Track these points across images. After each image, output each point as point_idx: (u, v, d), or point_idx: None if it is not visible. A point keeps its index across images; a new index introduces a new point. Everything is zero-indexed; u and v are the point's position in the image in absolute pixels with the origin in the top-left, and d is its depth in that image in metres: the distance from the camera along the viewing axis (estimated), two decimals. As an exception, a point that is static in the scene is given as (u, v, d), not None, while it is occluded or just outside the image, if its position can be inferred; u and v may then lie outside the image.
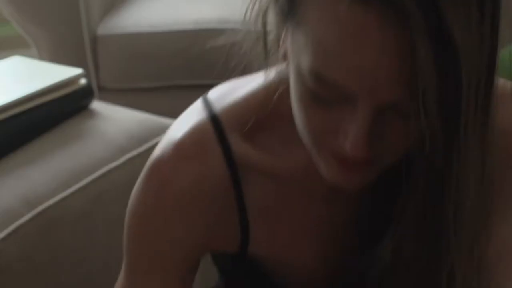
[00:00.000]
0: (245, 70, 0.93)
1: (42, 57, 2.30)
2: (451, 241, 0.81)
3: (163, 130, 1.62)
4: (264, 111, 0.91)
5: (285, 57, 0.81)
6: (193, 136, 0.92)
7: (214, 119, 0.92)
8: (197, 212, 0.93)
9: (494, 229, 0.85)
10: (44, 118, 1.58)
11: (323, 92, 0.75)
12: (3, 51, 2.96)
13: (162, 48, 2.25)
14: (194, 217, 0.94)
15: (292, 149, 0.91)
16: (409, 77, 0.72)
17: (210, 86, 1.00)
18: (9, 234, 1.33)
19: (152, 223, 0.94)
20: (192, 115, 0.94)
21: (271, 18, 0.83)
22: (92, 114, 1.64)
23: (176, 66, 2.22)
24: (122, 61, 2.26)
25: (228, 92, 0.94)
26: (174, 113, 1.69)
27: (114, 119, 1.64)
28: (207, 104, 0.94)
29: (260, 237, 0.97)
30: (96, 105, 1.68)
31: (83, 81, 1.65)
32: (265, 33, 0.85)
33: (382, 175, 0.84)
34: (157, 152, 0.95)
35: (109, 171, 1.50)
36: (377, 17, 0.70)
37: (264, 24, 0.84)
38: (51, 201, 1.40)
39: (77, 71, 1.65)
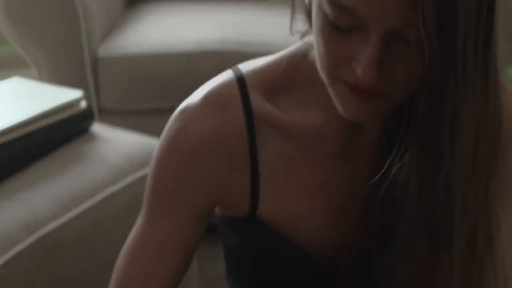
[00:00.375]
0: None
1: (42, 77, 2.29)
2: (452, 184, 0.87)
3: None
4: (284, 76, 1.00)
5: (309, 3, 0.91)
6: (219, 90, 1.00)
7: (240, 79, 1.00)
8: (211, 160, 0.99)
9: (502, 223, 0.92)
10: (44, 141, 1.58)
11: (339, 20, 0.84)
12: (3, 70, 2.96)
13: (163, 69, 2.24)
14: (208, 165, 0.99)
15: (307, 110, 0.99)
16: (414, 2, 0.80)
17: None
18: (10, 259, 1.33)
19: (169, 165, 1.00)
20: (222, 75, 1.02)
21: None
22: (92, 137, 1.64)
23: (177, 87, 2.21)
24: (123, 82, 2.25)
25: (256, 61, 1.03)
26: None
27: (115, 142, 1.63)
28: (236, 68, 1.02)
29: (270, 196, 1.01)
30: (97, 127, 1.67)
31: (83, 103, 1.64)
32: None
33: (390, 129, 0.93)
34: (186, 100, 1.02)
35: (110, 195, 1.49)
36: None
37: None
38: (51, 225, 1.39)
39: (78, 93, 1.64)
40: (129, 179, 1.54)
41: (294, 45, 1.01)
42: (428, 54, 0.82)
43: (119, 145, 1.62)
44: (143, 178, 1.54)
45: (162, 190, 1.01)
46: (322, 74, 0.90)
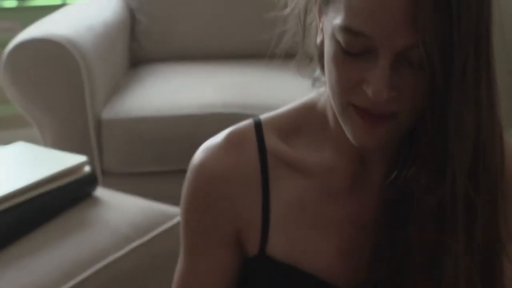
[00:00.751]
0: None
1: (44, 138, 2.30)
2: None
3: (167, 218, 1.61)
4: (297, 121, 1.07)
5: (321, 36, 0.98)
6: (237, 130, 1.08)
7: (257, 123, 1.08)
8: (227, 193, 1.05)
9: None
10: (48, 206, 1.57)
11: (351, 46, 0.91)
12: (5, 130, 2.96)
13: (166, 132, 2.25)
14: (225, 197, 1.06)
15: (318, 151, 1.05)
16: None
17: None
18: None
19: (191, 197, 1.07)
20: (243, 121, 1.09)
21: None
22: (95, 201, 1.63)
23: (181, 150, 2.21)
24: (126, 145, 2.26)
25: (274, 111, 1.10)
26: (179, 198, 1.68)
27: (118, 207, 1.63)
28: (256, 116, 1.09)
29: (280, 233, 1.04)
30: (100, 192, 1.67)
31: (87, 168, 1.64)
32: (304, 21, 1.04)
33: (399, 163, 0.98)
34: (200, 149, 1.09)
35: (114, 261, 1.48)
36: None
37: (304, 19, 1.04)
38: (54, 294, 1.38)
39: (81, 158, 1.65)
40: (133, 245, 1.53)
41: (307, 96, 1.08)
42: (430, 74, 0.88)
43: (123, 210, 1.62)
44: (147, 244, 1.54)
45: (188, 224, 1.08)
46: (334, 102, 0.96)
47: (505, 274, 0.99)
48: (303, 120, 1.06)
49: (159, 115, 2.26)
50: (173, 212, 1.63)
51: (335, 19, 0.92)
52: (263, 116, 1.09)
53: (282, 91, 2.08)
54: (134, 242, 1.53)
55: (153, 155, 2.25)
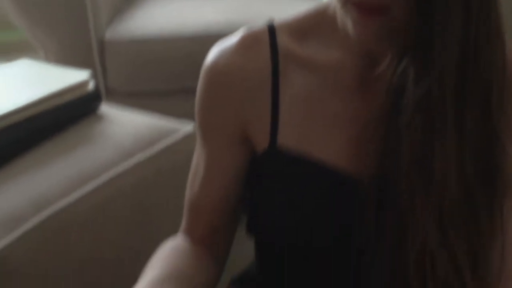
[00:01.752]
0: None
1: (49, 60, 2.30)
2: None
3: (172, 133, 1.62)
4: (309, 24, 1.10)
5: None
6: (250, 31, 1.11)
7: (271, 25, 1.11)
8: (236, 91, 1.09)
9: None
10: (52, 122, 1.58)
11: None
12: (10, 55, 2.96)
13: (170, 52, 2.25)
14: (234, 95, 1.09)
15: (329, 50, 1.08)
16: None
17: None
18: (17, 239, 1.33)
19: (203, 94, 1.11)
20: (255, 25, 1.12)
21: None
22: (100, 118, 1.64)
23: (184, 69, 2.21)
24: (129, 65, 2.26)
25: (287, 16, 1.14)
26: (183, 116, 1.69)
27: (122, 122, 1.64)
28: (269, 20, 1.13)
29: (290, 127, 1.08)
30: (104, 108, 1.68)
31: (91, 85, 1.65)
32: None
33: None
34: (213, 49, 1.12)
35: (118, 175, 1.49)
36: None
37: None
38: (58, 205, 1.40)
39: (85, 74, 1.65)
40: (136, 159, 1.54)
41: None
42: None
43: (127, 125, 1.62)
44: (150, 158, 1.55)
45: (200, 118, 1.13)
46: (335, 3, 1.02)
47: (506, 171, 1.00)
48: (315, 24, 1.10)
49: (162, 35, 2.25)
50: (178, 128, 1.64)
51: None
52: (276, 20, 1.12)
53: (285, 9, 2.07)
54: (138, 156, 1.54)
55: (155, 74, 2.26)
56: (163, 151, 1.58)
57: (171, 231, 1.17)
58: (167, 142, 1.59)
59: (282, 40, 1.09)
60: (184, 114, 1.67)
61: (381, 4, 0.96)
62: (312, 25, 1.10)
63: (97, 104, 1.67)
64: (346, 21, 1.00)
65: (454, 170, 0.96)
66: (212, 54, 1.11)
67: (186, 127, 1.64)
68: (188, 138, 1.61)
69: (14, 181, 1.43)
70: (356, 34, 0.99)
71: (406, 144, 0.98)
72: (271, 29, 1.10)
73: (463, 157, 0.97)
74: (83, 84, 1.63)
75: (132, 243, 1.51)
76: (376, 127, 1.02)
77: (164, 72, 2.26)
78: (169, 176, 1.57)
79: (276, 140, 1.08)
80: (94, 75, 2.01)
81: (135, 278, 1.06)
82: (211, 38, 2.27)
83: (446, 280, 0.99)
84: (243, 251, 1.23)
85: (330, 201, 1.06)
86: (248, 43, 1.10)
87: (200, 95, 1.12)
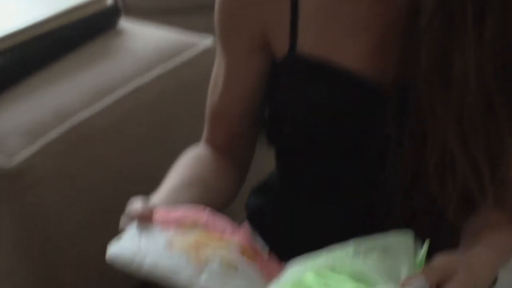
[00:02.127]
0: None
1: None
2: None
3: (191, 46, 1.62)
4: None
5: None
6: None
7: None
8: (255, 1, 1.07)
9: None
10: (72, 36, 1.59)
11: None
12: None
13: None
14: (253, 5, 1.07)
15: None
16: None
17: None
18: (41, 149, 1.34)
19: (223, 7, 1.10)
20: None
21: None
22: (119, 32, 1.64)
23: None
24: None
25: None
26: (202, 33, 1.68)
27: (142, 37, 1.64)
28: None
29: (309, 33, 1.06)
30: (124, 23, 1.67)
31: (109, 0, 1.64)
32: None
33: None
34: None
35: (139, 86, 1.50)
36: None
37: None
38: (82, 115, 1.41)
39: (104, -12, 1.64)
40: (157, 72, 1.54)
41: None
42: None
43: (146, 39, 1.62)
44: (171, 71, 1.55)
45: (220, 22, 1.11)
46: None
47: None
48: None
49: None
50: (198, 41, 1.63)
51: None
52: None
53: None
54: (159, 68, 1.54)
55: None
56: (183, 64, 1.58)
57: (191, 144, 1.18)
58: (187, 56, 1.59)
59: None
60: (203, 31, 1.67)
61: None
62: None
63: (116, 19, 1.66)
64: None
65: (473, 73, 0.96)
66: None
67: (206, 41, 1.64)
68: (208, 52, 1.60)
69: (37, 93, 1.44)
70: None
71: (426, 46, 0.97)
72: None
73: (482, 60, 0.96)
74: (102, -1, 1.63)
75: (153, 153, 1.53)
76: (395, 30, 1.01)
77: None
78: (189, 90, 1.58)
79: (295, 46, 1.07)
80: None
81: (156, 185, 1.07)
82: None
83: (466, 184, 0.99)
84: (264, 166, 1.24)
85: (350, 106, 1.06)
86: None
87: (219, 5, 1.10)
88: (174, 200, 1.01)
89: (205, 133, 1.18)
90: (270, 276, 0.92)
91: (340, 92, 1.06)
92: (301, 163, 1.13)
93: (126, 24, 1.68)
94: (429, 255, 0.91)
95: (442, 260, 0.90)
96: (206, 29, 1.55)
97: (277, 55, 1.09)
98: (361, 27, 1.05)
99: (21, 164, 1.32)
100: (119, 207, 1.46)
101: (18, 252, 1.38)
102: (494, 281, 0.99)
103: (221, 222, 0.96)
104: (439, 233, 1.02)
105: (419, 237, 0.93)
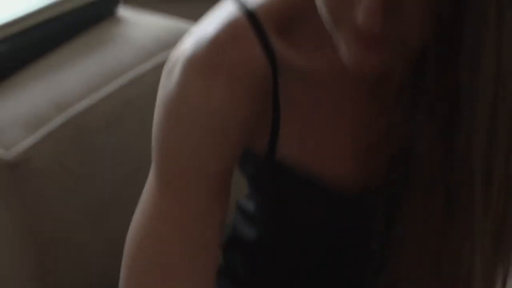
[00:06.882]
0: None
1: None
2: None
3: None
4: (298, 7, 0.88)
5: None
6: (229, 30, 0.85)
7: (250, 14, 0.86)
8: (231, 95, 0.87)
9: None
10: (70, 24, 1.56)
11: None
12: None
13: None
14: (229, 100, 0.88)
15: (327, 46, 0.86)
16: None
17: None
18: (41, 139, 1.33)
19: (190, 124, 0.89)
20: (223, 12, 0.88)
21: None
22: (118, 20, 1.62)
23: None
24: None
25: None
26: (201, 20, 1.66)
27: (141, 24, 1.62)
28: (239, 1, 0.88)
29: (290, 137, 0.94)
30: (123, 11, 1.66)
31: (109, -14, 1.62)
32: None
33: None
34: (187, 50, 0.88)
35: (138, 75, 1.48)
36: None
37: None
38: (81, 105, 1.39)
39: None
40: (157, 60, 1.52)
41: None
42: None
43: (146, 27, 1.60)
44: (171, 60, 1.53)
45: (180, 164, 0.90)
46: (324, 16, 0.77)
47: None
48: (305, 6, 0.87)
49: None
50: (197, 29, 1.61)
51: None
52: (251, 4, 0.87)
53: None
54: (158, 57, 1.52)
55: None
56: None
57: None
58: (187, 44, 1.57)
59: (272, 38, 0.87)
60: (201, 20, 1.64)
61: (386, 35, 0.72)
62: (298, 13, 0.87)
63: (115, 6, 1.64)
64: (339, 43, 0.77)
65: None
66: (194, 64, 0.88)
67: (206, 29, 1.62)
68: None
69: (35, 82, 1.42)
70: (351, 63, 0.77)
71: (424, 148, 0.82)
72: (254, 23, 0.86)
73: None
74: (101, -14, 1.61)
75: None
76: (383, 137, 0.91)
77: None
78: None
79: (275, 150, 0.95)
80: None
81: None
82: None
83: None
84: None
85: (330, 216, 1.00)
86: (236, 42, 0.86)
87: (178, 92, 0.89)
88: None
89: None
90: None
91: (319, 201, 0.99)
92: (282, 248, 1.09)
93: (125, 12, 1.66)
94: None
95: None
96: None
97: (255, 154, 0.98)
98: (346, 134, 0.94)
99: (20, 155, 1.30)
100: (120, 198, 1.45)
101: (16, 243, 1.37)
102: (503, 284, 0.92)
103: None
104: None
105: None
